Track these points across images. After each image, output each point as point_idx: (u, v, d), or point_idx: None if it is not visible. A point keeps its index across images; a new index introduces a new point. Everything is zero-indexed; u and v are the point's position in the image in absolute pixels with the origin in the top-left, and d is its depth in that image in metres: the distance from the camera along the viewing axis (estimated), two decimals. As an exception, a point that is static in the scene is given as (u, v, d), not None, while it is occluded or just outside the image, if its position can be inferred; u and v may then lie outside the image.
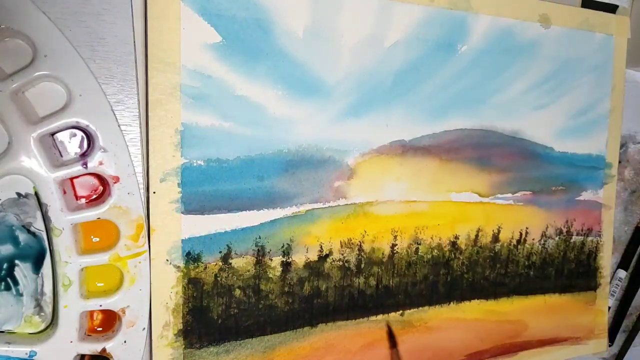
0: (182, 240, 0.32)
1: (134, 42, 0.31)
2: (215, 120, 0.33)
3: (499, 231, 0.44)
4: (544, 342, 0.48)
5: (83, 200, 0.31)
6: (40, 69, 0.28)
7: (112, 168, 0.30)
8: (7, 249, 0.30)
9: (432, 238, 0.41)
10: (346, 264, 0.38)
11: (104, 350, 0.31)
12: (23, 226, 0.30)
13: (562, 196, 0.47)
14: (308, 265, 0.37)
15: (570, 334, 0.49)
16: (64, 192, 0.30)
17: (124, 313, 0.31)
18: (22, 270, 0.30)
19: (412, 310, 0.41)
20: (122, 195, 0.30)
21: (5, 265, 0.30)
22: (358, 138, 0.37)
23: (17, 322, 0.30)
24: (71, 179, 0.30)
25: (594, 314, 0.50)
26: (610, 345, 0.52)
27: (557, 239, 0.47)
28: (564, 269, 0.48)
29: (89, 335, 0.31)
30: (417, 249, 0.41)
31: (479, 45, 0.41)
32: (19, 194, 0.30)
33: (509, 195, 0.44)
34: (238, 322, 0.35)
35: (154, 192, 0.31)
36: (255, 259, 0.35)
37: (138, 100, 0.31)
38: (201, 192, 0.33)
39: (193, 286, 0.33)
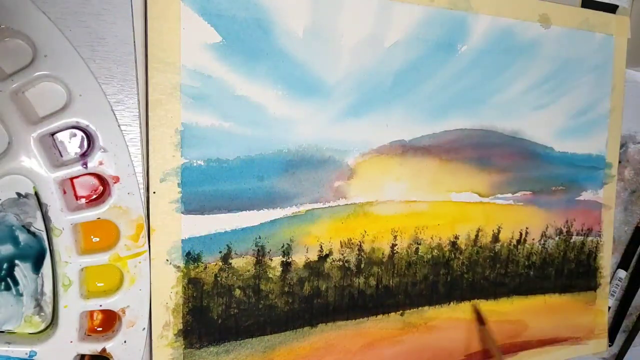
0: (182, 240, 0.32)
1: (134, 42, 0.31)
2: (215, 120, 0.33)
3: (499, 231, 0.44)
4: (544, 342, 0.48)
5: (83, 200, 0.31)
6: (40, 69, 0.28)
7: (112, 168, 0.30)
8: (7, 249, 0.30)
9: (432, 238, 0.41)
10: (346, 264, 0.38)
11: (104, 350, 0.31)
12: (23, 226, 0.30)
13: (562, 196, 0.47)
14: (308, 265, 0.37)
15: (570, 334, 0.49)
16: (64, 192, 0.30)
17: (124, 313, 0.31)
18: (22, 270, 0.30)
19: (412, 310, 0.41)
20: (122, 195, 0.30)
21: (5, 265, 0.30)
22: (358, 138, 0.37)
23: (17, 322, 0.30)
24: (71, 179, 0.30)
25: (594, 314, 0.50)
26: (610, 345, 0.52)
27: (557, 239, 0.47)
28: (564, 269, 0.48)
29: (89, 335, 0.31)
30: (417, 249, 0.41)
31: (479, 45, 0.41)
32: (19, 194, 0.30)
33: (509, 195, 0.44)
34: (238, 322, 0.35)
35: (154, 192, 0.31)
36: (255, 259, 0.35)
37: (138, 100, 0.31)
38: (201, 192, 0.33)
39: (193, 286, 0.33)
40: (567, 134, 0.46)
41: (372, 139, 0.38)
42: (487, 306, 0.44)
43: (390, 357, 0.40)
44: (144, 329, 0.32)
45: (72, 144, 0.31)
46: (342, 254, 0.38)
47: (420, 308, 0.41)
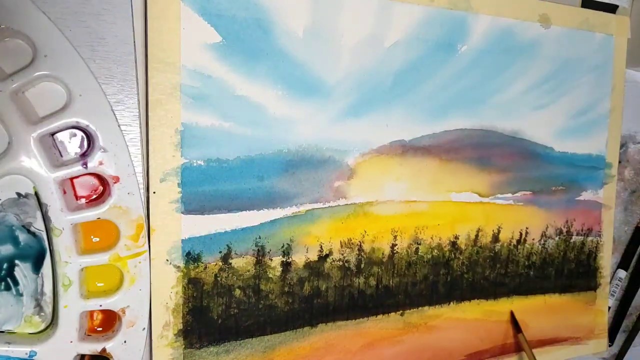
0: (182, 240, 0.32)
1: (134, 42, 0.31)
2: (215, 120, 0.33)
3: (499, 231, 0.44)
4: (544, 342, 0.48)
5: (83, 200, 0.31)
6: (40, 69, 0.28)
7: (112, 168, 0.30)
8: (7, 249, 0.30)
9: (432, 238, 0.41)
10: (346, 264, 0.38)
11: (104, 350, 0.31)
12: (23, 226, 0.30)
13: (562, 196, 0.47)
14: (308, 265, 0.37)
15: (570, 334, 0.49)
16: (64, 192, 0.30)
17: (124, 313, 0.31)
18: (22, 270, 0.30)
19: (412, 310, 0.41)
20: (122, 195, 0.30)
21: (5, 265, 0.30)
22: (358, 138, 0.37)
23: (17, 322, 0.30)
24: (71, 179, 0.30)
25: (594, 314, 0.50)
26: (610, 345, 0.52)
27: (557, 239, 0.47)
28: (564, 269, 0.48)
29: (89, 335, 0.31)
30: (417, 249, 0.41)
31: (479, 45, 0.41)
32: (19, 194, 0.30)
33: (509, 195, 0.44)
34: (238, 322, 0.35)
35: (154, 192, 0.31)
36: (255, 259, 0.35)
37: (138, 100, 0.31)
38: (201, 192, 0.33)
39: (193, 286, 0.33)
40: (567, 134, 0.46)
41: (372, 139, 0.38)
42: (487, 306, 0.44)
43: (390, 357, 0.40)
44: (144, 329, 0.32)
45: (72, 144, 0.31)
46: (342, 254, 0.38)
47: (420, 308, 0.41)
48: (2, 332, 0.30)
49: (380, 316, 0.40)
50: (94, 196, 0.31)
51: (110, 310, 0.31)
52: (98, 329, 0.32)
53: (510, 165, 0.44)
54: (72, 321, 0.30)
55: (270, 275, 0.36)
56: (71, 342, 0.30)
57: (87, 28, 0.30)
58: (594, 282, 0.50)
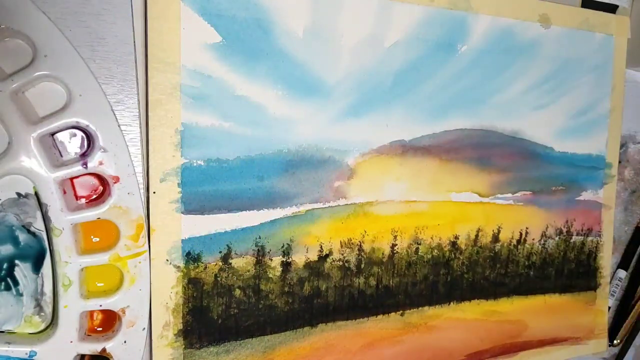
0: (182, 240, 0.32)
1: (134, 42, 0.31)
2: (215, 120, 0.33)
3: (499, 231, 0.44)
4: (544, 342, 0.48)
5: (83, 200, 0.31)
6: (40, 69, 0.28)
7: (112, 168, 0.30)
8: (7, 249, 0.30)
9: (432, 238, 0.41)
10: (346, 264, 0.38)
11: (104, 350, 0.31)
12: (23, 226, 0.30)
13: (562, 196, 0.47)
14: (308, 265, 0.37)
15: (570, 334, 0.49)
16: (64, 192, 0.30)
17: (124, 313, 0.31)
18: (22, 270, 0.30)
19: (412, 310, 0.41)
20: (122, 195, 0.30)
21: (5, 265, 0.30)
22: (358, 138, 0.37)
23: (17, 322, 0.30)
24: (71, 179, 0.30)
25: (594, 314, 0.50)
26: (610, 345, 0.52)
27: (557, 239, 0.47)
28: (564, 269, 0.48)
29: (89, 335, 0.31)
30: (417, 249, 0.41)
31: (479, 45, 0.41)
32: (19, 194, 0.30)
33: (509, 195, 0.44)
34: (238, 322, 0.35)
35: (154, 192, 0.31)
36: (255, 259, 0.35)
37: (138, 100, 0.31)
38: (201, 192, 0.33)
39: (193, 286, 0.33)
40: (567, 134, 0.46)
41: (372, 139, 0.38)
42: (487, 306, 0.44)
43: (390, 357, 0.40)
44: (144, 329, 0.32)
45: (72, 144, 0.31)
46: (342, 254, 0.38)
47: (420, 308, 0.41)
48: (2, 332, 0.30)
49: (380, 316, 0.40)
50: (94, 196, 0.31)
51: (110, 310, 0.31)
52: (98, 329, 0.32)
53: (510, 165, 0.44)
54: (72, 321, 0.30)
55: (270, 275, 0.36)
56: (71, 342, 0.30)
57: (87, 28, 0.30)
58: (594, 282, 0.50)
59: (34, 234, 0.30)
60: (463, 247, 0.43)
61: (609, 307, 0.51)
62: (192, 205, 0.33)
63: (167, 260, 0.32)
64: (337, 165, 0.37)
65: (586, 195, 0.48)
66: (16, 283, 0.30)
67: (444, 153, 0.41)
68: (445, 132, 0.41)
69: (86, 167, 0.30)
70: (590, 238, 0.49)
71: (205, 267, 0.33)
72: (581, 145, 0.47)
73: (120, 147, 0.30)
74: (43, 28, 0.28)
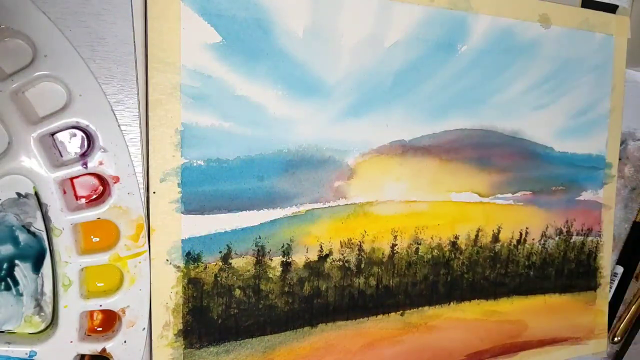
0: (182, 240, 0.32)
1: (134, 42, 0.31)
2: (215, 120, 0.33)
3: (499, 231, 0.44)
4: (544, 342, 0.48)
5: (83, 200, 0.31)
6: (40, 69, 0.28)
7: (112, 168, 0.30)
8: (7, 249, 0.30)
9: (432, 238, 0.41)
10: (346, 264, 0.38)
11: (104, 350, 0.31)
12: (23, 226, 0.30)
13: (562, 196, 0.47)
14: (308, 265, 0.37)
15: (570, 334, 0.49)
16: (64, 192, 0.30)
17: (124, 313, 0.31)
18: (22, 270, 0.30)
19: (412, 310, 0.41)
20: (122, 195, 0.30)
21: (5, 265, 0.30)
22: (358, 138, 0.37)
23: (17, 322, 0.30)
24: (71, 179, 0.30)
25: (594, 314, 0.50)
26: (610, 343, 0.52)
27: (557, 239, 0.47)
28: (564, 269, 0.48)
29: (89, 335, 0.31)
30: (417, 249, 0.41)
31: (479, 45, 0.41)
32: (19, 194, 0.30)
33: (509, 195, 0.44)
34: (238, 322, 0.35)
35: (154, 192, 0.31)
36: (255, 259, 0.35)
37: (138, 100, 0.31)
38: (201, 192, 0.33)
39: (193, 286, 0.33)
40: (567, 134, 0.46)
41: (372, 139, 0.38)
42: (487, 306, 0.44)
43: (390, 357, 0.40)
44: (144, 329, 0.32)
45: (72, 144, 0.31)
46: (342, 254, 0.38)
47: (420, 308, 0.41)
48: (2, 332, 0.30)
49: (380, 316, 0.40)
50: (94, 196, 0.31)
51: (110, 310, 0.31)
52: (98, 329, 0.32)
53: (510, 165, 0.44)
54: (72, 321, 0.30)
55: (270, 275, 0.36)
56: (71, 342, 0.30)
57: (87, 28, 0.30)
58: (594, 282, 0.50)
59: (34, 234, 0.30)
60: (463, 247, 0.43)
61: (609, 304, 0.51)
62: (192, 205, 0.33)
63: (167, 260, 0.32)
64: (337, 165, 0.37)
65: (586, 195, 0.48)
66: (16, 283, 0.30)
67: (444, 153, 0.41)
68: (445, 132, 0.41)
69: (86, 167, 0.30)
70: (590, 238, 0.49)
71: (205, 267, 0.33)
72: (581, 145, 0.47)
73: (120, 147, 0.30)
74: (43, 28, 0.28)
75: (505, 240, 0.45)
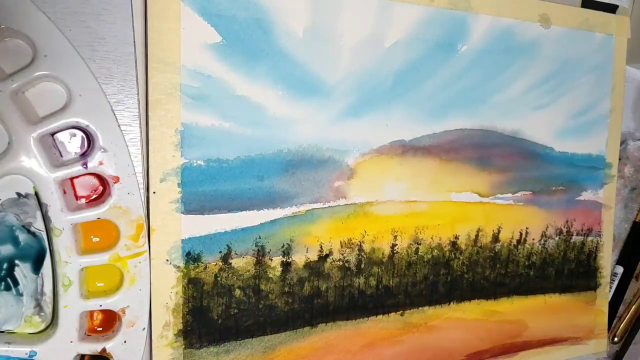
0: (182, 240, 0.32)
1: (134, 42, 0.31)
2: (215, 120, 0.33)
3: (499, 231, 0.44)
4: (544, 342, 0.48)
5: (83, 200, 0.31)
6: (40, 69, 0.28)
7: (112, 168, 0.30)
8: (7, 249, 0.30)
9: (432, 238, 0.41)
10: (346, 264, 0.38)
11: (104, 350, 0.31)
12: (23, 226, 0.30)
13: (562, 196, 0.47)
14: (308, 265, 0.37)
15: (570, 334, 0.49)
16: (64, 192, 0.30)
17: (124, 313, 0.31)
18: (22, 270, 0.30)
19: (412, 310, 0.41)
20: (122, 195, 0.30)
21: (5, 265, 0.30)
22: (358, 138, 0.37)
23: (17, 322, 0.30)
24: (71, 179, 0.30)
25: (594, 314, 0.50)
26: (610, 343, 0.52)
27: (557, 239, 0.47)
28: (564, 269, 0.48)
29: (89, 335, 0.31)
30: (417, 249, 0.41)
31: (479, 45, 0.41)
32: (19, 194, 0.30)
33: (509, 195, 0.44)
34: (238, 322, 0.35)
35: (154, 192, 0.31)
36: (255, 259, 0.35)
37: (138, 100, 0.31)
38: (201, 192, 0.33)
39: (193, 286, 0.33)
40: (567, 134, 0.46)
41: (372, 139, 0.38)
42: (487, 306, 0.44)
43: (390, 357, 0.40)
44: (144, 329, 0.32)
45: (72, 144, 0.31)
46: (342, 254, 0.38)
47: (420, 308, 0.41)
48: (2, 332, 0.30)
49: (380, 316, 0.40)
50: (94, 196, 0.31)
51: (110, 310, 0.31)
52: (98, 329, 0.32)
53: (510, 165, 0.44)
54: (72, 321, 0.30)
55: (270, 275, 0.36)
56: (71, 342, 0.30)
57: (87, 28, 0.30)
58: (594, 282, 0.50)
59: (34, 234, 0.30)
60: (463, 247, 0.43)
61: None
62: (192, 205, 0.33)
63: (167, 260, 0.32)
64: (337, 165, 0.37)
65: (586, 195, 0.48)
66: (16, 283, 0.30)
67: (444, 153, 0.41)
68: (445, 132, 0.41)
69: (86, 167, 0.30)
70: (590, 238, 0.49)
71: (205, 267, 0.33)
72: (581, 145, 0.47)
73: (120, 147, 0.30)
74: (43, 28, 0.28)
75: (505, 240, 0.45)
